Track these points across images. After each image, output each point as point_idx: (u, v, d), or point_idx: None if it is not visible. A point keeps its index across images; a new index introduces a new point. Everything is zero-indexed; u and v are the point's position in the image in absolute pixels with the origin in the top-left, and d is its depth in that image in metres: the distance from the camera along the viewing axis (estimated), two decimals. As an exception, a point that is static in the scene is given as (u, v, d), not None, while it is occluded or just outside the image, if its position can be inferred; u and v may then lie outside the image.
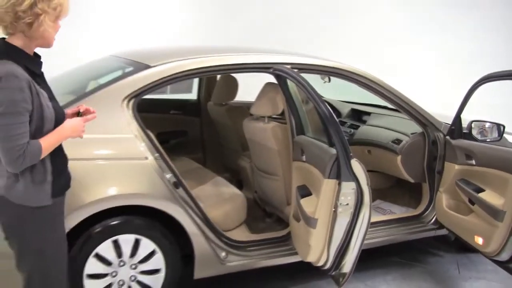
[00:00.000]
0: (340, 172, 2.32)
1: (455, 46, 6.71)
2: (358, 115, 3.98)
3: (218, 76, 3.83)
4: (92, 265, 2.53)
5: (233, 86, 3.61)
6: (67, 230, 2.24)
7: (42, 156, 1.84)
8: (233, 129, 3.65)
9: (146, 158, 2.57)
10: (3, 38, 1.86)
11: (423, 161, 3.37)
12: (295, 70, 2.77)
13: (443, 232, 3.37)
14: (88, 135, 2.34)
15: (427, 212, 3.39)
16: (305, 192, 2.64)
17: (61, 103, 2.08)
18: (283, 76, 2.77)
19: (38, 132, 1.84)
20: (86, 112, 2.09)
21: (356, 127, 3.80)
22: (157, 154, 2.60)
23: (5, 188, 1.88)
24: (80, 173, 2.41)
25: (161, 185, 2.59)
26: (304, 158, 2.69)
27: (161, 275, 2.69)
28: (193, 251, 2.72)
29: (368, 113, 3.87)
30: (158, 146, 2.63)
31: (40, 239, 1.95)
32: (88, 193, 2.44)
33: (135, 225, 2.60)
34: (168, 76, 2.72)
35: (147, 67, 2.76)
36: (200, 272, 2.77)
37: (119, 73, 3.03)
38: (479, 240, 2.87)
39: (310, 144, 2.68)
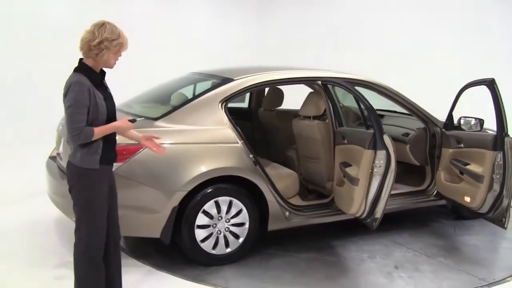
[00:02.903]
0: (375, 144, 3.45)
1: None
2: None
3: (267, 89, 5.01)
4: (200, 218, 3.62)
5: (281, 96, 4.77)
6: (190, 188, 3.41)
7: (94, 138, 2.68)
8: (281, 129, 4.79)
9: (237, 142, 3.69)
10: (81, 59, 2.78)
11: (425, 148, 4.52)
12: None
13: (442, 202, 4.51)
14: (200, 126, 3.54)
15: (430, 187, 4.52)
16: (346, 165, 3.76)
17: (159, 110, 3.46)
18: (332, 85, 3.94)
19: (95, 120, 2.69)
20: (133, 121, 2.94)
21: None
22: (242, 141, 3.73)
23: (71, 156, 2.77)
24: (197, 152, 3.57)
25: (248, 162, 3.71)
26: (345, 141, 3.83)
27: (246, 227, 3.77)
28: (268, 211, 3.82)
29: (382, 116, 5.03)
30: (242, 135, 3.75)
31: (89, 192, 2.77)
32: (202, 166, 3.55)
33: (230, 190, 3.69)
34: (248, 86, 3.90)
35: (231, 80, 3.92)
36: (272, 225, 3.86)
37: (208, 84, 4.22)
38: (467, 199, 4.00)
39: (350, 131, 3.83)
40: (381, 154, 3.46)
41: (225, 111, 3.76)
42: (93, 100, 2.68)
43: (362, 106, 3.61)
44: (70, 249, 2.86)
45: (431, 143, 4.52)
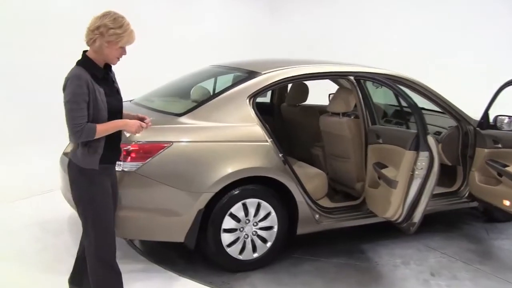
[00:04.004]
0: (418, 145, 3.22)
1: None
2: (401, 115, 4.92)
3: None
4: (227, 222, 3.39)
5: (305, 90, 4.52)
6: (217, 189, 3.20)
7: (97, 136, 2.53)
8: (305, 126, 4.55)
9: (266, 141, 3.46)
10: (85, 51, 2.63)
11: (458, 148, 4.29)
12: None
13: (474, 204, 4.29)
14: (227, 123, 3.31)
15: (461, 188, 4.29)
16: (382, 166, 3.54)
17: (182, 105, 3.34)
18: (366, 80, 3.70)
19: (95, 116, 2.53)
20: (143, 119, 2.79)
21: (401, 124, 4.73)
22: (271, 139, 3.49)
23: (72, 153, 2.66)
24: (225, 151, 3.34)
25: (278, 162, 3.48)
26: (380, 141, 3.60)
27: (274, 231, 3.54)
28: (297, 213, 3.59)
29: (410, 113, 4.80)
30: (271, 133, 3.52)
31: (90, 191, 2.63)
32: (230, 166, 3.32)
33: (258, 191, 3.46)
34: (278, 80, 3.65)
35: (259, 73, 3.67)
36: (301, 229, 3.64)
37: (229, 77, 3.99)
38: (507, 203, 3.77)
39: (387, 130, 3.60)
40: (424, 155, 3.23)
41: (253, 107, 3.52)
42: (92, 95, 2.52)
43: (404, 104, 3.38)
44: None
45: (463, 142, 4.29)
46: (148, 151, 3.20)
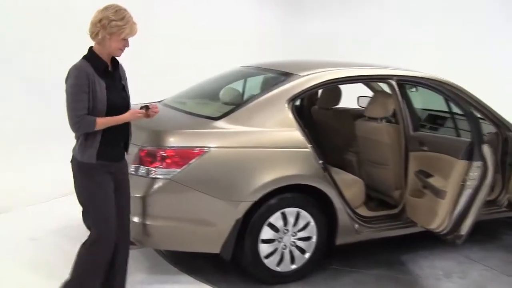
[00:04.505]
0: (472, 154, 3.05)
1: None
2: (435, 119, 4.75)
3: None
4: (265, 232, 3.21)
5: (338, 93, 4.34)
6: (257, 198, 3.04)
7: (97, 128, 2.52)
8: (338, 130, 4.38)
9: (307, 147, 3.28)
10: (91, 46, 2.63)
11: (496, 155, 4.11)
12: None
13: (512, 214, 4.13)
14: (266, 128, 3.14)
15: (500, 197, 4.12)
16: (427, 174, 3.37)
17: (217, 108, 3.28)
18: (409, 84, 3.53)
19: (94, 108, 2.52)
20: (153, 108, 2.68)
21: (435, 129, 4.56)
22: (310, 145, 3.32)
23: (75, 149, 2.63)
24: (264, 158, 3.17)
25: (318, 169, 3.30)
26: (425, 148, 3.42)
27: (313, 241, 3.37)
28: (337, 223, 3.42)
29: (445, 118, 4.63)
30: (311, 138, 3.34)
31: (89, 187, 2.63)
32: (270, 173, 3.14)
33: (298, 200, 3.29)
34: (319, 83, 3.47)
35: (297, 76, 3.49)
36: (340, 239, 3.46)
37: (259, 79, 3.84)
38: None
39: (435, 138, 3.42)
40: (477, 165, 3.06)
41: (292, 111, 3.34)
42: (92, 87, 2.52)
43: (458, 110, 3.20)
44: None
45: (503, 149, 4.11)
46: (184, 157, 3.02)
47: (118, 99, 2.64)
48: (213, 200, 3.06)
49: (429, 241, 3.76)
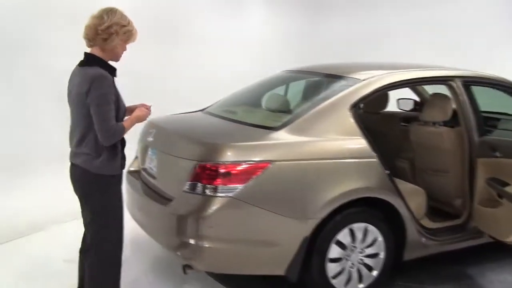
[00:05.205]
0: None
1: None
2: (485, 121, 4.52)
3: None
4: (333, 250, 2.96)
5: (386, 97, 4.09)
6: (325, 214, 2.83)
7: (124, 134, 2.51)
8: (387, 135, 4.13)
9: (373, 156, 3.04)
10: (86, 52, 2.57)
11: None
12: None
13: None
14: (329, 137, 2.93)
15: None
16: (501, 182, 3.13)
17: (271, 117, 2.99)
18: (475, 85, 3.30)
19: (116, 117, 2.50)
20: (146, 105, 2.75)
21: (489, 132, 4.31)
22: (376, 154, 3.07)
23: (84, 162, 2.50)
24: (332, 170, 2.92)
25: (385, 180, 3.06)
26: (498, 154, 3.19)
27: (381, 258, 3.13)
28: (405, 237, 3.18)
29: (498, 119, 4.39)
30: (376, 147, 3.10)
31: (111, 197, 2.59)
32: (339, 187, 2.89)
33: (366, 214, 3.05)
34: (381, 87, 3.22)
35: (357, 80, 3.24)
36: (408, 254, 3.22)
37: (302, 83, 3.63)
38: None
39: (510, 143, 3.17)
40: None
41: (355, 118, 3.10)
42: (116, 94, 2.52)
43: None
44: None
45: None
46: (247, 172, 2.75)
47: (123, 102, 2.64)
48: (278, 218, 2.79)
49: (494, 252, 3.54)
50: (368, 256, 3.10)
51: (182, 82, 5.75)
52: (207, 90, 5.93)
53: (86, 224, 2.73)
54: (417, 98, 4.56)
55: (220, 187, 2.74)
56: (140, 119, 2.67)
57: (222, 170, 2.74)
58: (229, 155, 2.77)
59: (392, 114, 4.26)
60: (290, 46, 7.27)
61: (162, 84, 5.72)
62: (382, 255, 3.13)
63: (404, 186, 3.58)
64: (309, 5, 7.69)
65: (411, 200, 3.36)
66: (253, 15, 7.11)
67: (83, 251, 2.84)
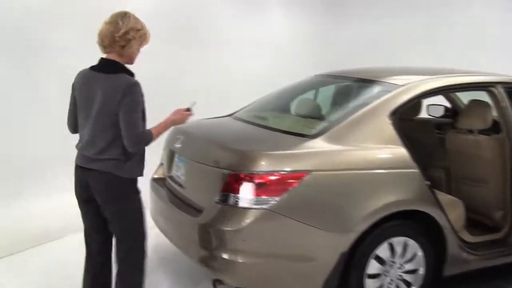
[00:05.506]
0: None
1: None
2: None
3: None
4: (372, 266, 2.80)
5: (419, 103, 3.93)
6: (365, 227, 2.68)
7: (152, 140, 2.48)
8: (421, 142, 3.95)
9: (413, 167, 2.87)
10: (103, 58, 2.51)
11: None
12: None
13: None
14: (367, 147, 2.77)
15: None
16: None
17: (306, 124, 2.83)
18: None
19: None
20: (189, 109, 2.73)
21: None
22: (417, 164, 2.90)
23: (114, 167, 2.46)
24: (372, 181, 2.76)
25: (426, 191, 2.89)
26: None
27: (420, 274, 2.96)
28: (445, 251, 3.01)
29: None
30: (416, 156, 2.93)
31: (136, 200, 2.58)
32: (380, 198, 2.73)
33: (406, 228, 2.88)
34: (420, 93, 3.05)
35: (395, 85, 3.07)
36: (449, 269, 3.05)
37: (331, 88, 3.50)
38: None
39: None
40: None
41: (395, 126, 2.93)
42: (143, 102, 2.50)
43: None
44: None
45: None
46: (283, 182, 2.59)
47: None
48: (315, 231, 2.63)
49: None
50: (407, 272, 2.93)
51: (202, 85, 5.61)
52: (228, 93, 5.82)
53: (98, 230, 2.69)
54: (447, 104, 4.39)
55: (254, 198, 2.58)
56: (176, 123, 2.64)
57: (257, 180, 2.58)
58: (264, 164, 2.61)
59: (426, 121, 4.08)
60: (311, 48, 7.10)
61: (181, 87, 5.58)
62: (421, 270, 2.96)
63: (442, 197, 3.41)
64: (329, 7, 7.54)
65: (450, 212, 3.19)
66: (273, 16, 6.96)
67: (96, 258, 2.75)
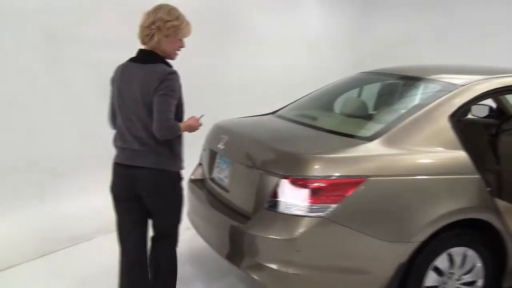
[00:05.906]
0: None
1: None
2: None
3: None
4: (430, 277, 2.63)
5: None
6: (425, 237, 2.50)
7: (178, 134, 2.46)
8: (469, 145, 3.76)
9: (475, 172, 2.69)
10: (141, 49, 2.51)
11: None
12: None
13: None
14: (427, 151, 2.61)
15: None
16: None
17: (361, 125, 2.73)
18: None
19: (176, 116, 2.45)
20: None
21: None
22: (477, 169, 2.72)
23: (161, 163, 2.47)
24: (433, 188, 2.58)
25: (488, 199, 2.72)
26: None
27: (478, 286, 2.80)
28: (506, 262, 2.83)
29: None
30: (475, 161, 2.75)
31: (180, 192, 2.60)
32: (438, 208, 2.54)
33: (467, 237, 2.71)
34: (481, 94, 2.85)
35: (454, 85, 2.88)
36: (509, 281, 2.88)
37: (376, 86, 3.37)
38: None
39: None
40: None
41: (455, 129, 2.75)
42: (180, 92, 2.47)
43: None
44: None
45: None
46: (341, 189, 2.42)
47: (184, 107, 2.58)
48: (373, 241, 2.45)
49: None
50: (465, 283, 2.76)
51: (237, 81, 5.44)
52: (262, 91, 5.64)
53: (136, 228, 2.64)
54: (492, 104, 4.19)
55: (310, 205, 2.41)
56: (190, 129, 2.57)
57: (312, 186, 2.41)
58: (320, 169, 2.44)
59: (476, 122, 3.87)
60: (346, 46, 6.93)
61: (218, 83, 5.39)
62: (480, 282, 2.79)
63: (501, 203, 3.23)
64: (364, 2, 7.35)
65: (509, 220, 3.03)
66: (309, 14, 6.76)
67: (131, 255, 2.66)
